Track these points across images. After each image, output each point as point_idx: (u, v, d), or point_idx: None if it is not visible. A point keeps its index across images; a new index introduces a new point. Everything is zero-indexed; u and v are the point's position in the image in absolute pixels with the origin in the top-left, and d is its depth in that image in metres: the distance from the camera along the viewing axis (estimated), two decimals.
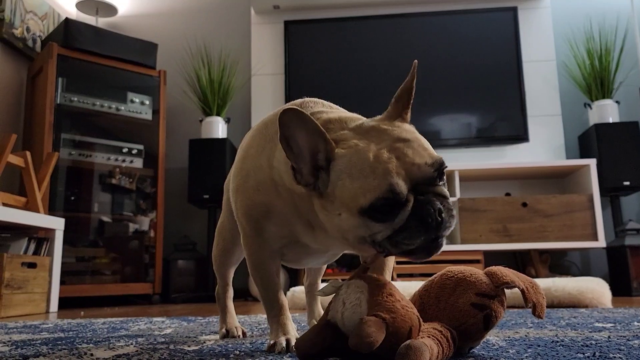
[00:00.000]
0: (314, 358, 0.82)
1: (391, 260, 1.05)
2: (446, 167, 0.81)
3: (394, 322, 0.74)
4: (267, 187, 0.94)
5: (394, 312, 0.75)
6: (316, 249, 1.01)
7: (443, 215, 0.77)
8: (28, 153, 2.79)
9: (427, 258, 0.80)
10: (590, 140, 3.50)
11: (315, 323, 1.35)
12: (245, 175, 0.99)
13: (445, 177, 0.82)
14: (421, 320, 0.80)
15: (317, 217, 0.86)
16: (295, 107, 0.79)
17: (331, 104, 1.02)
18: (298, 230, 0.94)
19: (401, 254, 0.79)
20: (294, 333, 0.98)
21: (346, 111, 0.98)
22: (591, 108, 3.58)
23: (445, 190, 0.80)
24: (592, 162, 3.30)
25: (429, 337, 0.78)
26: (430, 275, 0.94)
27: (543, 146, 3.72)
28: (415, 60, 0.90)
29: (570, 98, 3.83)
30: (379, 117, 0.86)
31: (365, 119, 0.88)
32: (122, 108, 3.56)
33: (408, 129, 0.83)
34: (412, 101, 0.88)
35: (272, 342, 0.96)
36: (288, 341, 0.94)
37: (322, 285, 1.44)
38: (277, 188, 0.92)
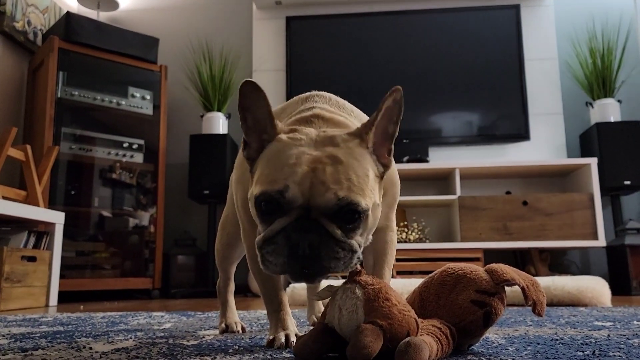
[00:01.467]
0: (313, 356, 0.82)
1: (392, 257, 1.04)
2: (359, 213, 0.73)
3: (391, 328, 0.74)
4: None
5: (390, 318, 0.75)
6: None
7: (314, 251, 0.71)
8: (28, 147, 2.79)
9: (297, 282, 0.80)
10: (591, 139, 3.50)
11: (315, 319, 1.35)
12: (245, 167, 0.98)
13: (357, 223, 0.75)
14: (419, 322, 0.79)
15: None
16: (255, 82, 0.80)
17: (339, 101, 1.00)
18: None
19: (272, 272, 0.76)
20: (293, 329, 0.97)
21: (350, 112, 0.96)
22: (593, 107, 3.57)
23: (338, 235, 0.73)
24: (593, 161, 3.29)
25: (428, 334, 0.78)
26: (430, 272, 0.94)
27: (544, 145, 3.71)
28: (398, 87, 0.80)
29: (572, 97, 3.82)
30: (352, 131, 0.82)
31: (356, 125, 0.85)
32: (123, 103, 3.56)
33: (354, 155, 0.77)
34: (376, 122, 0.80)
35: (271, 337, 0.95)
36: (287, 337, 0.94)
37: (323, 283, 1.44)
38: None
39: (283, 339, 0.93)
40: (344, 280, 0.85)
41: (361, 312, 0.77)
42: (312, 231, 0.72)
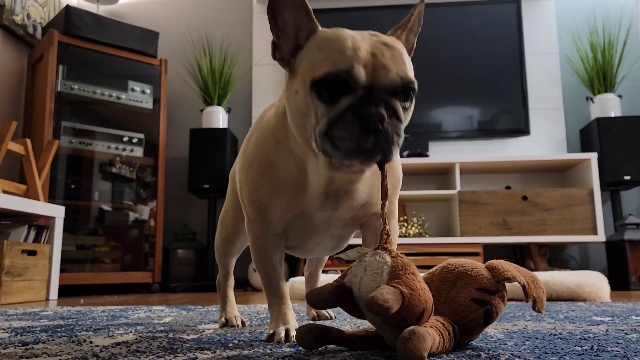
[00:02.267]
0: (313, 347, 0.82)
1: (394, 245, 1.02)
2: (415, 91, 0.78)
3: (411, 298, 0.73)
4: (271, 158, 0.93)
5: (412, 289, 0.74)
6: (320, 224, 0.98)
7: (385, 124, 0.73)
8: (28, 140, 2.79)
9: (365, 165, 0.77)
10: (591, 134, 3.50)
11: (315, 314, 1.36)
12: (250, 152, 0.98)
13: (411, 103, 0.80)
14: (432, 318, 0.79)
15: (308, 157, 0.85)
16: None
17: None
18: (300, 186, 0.91)
19: (340, 159, 0.75)
20: (293, 323, 0.97)
21: None
22: (593, 102, 3.57)
23: (401, 112, 0.76)
24: (593, 156, 3.29)
25: (431, 327, 0.78)
26: (430, 267, 0.94)
27: (544, 139, 3.71)
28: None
29: (572, 91, 3.82)
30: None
31: None
32: (123, 97, 3.55)
33: (396, 41, 0.81)
34: (409, 25, 0.87)
35: (271, 331, 0.96)
36: (287, 331, 0.93)
37: (323, 277, 1.44)
38: (278, 147, 0.91)
39: (283, 333, 0.93)
40: (374, 247, 0.83)
41: (386, 276, 0.75)
42: (377, 107, 0.73)
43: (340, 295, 0.79)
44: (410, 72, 0.78)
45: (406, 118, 0.79)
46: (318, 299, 0.79)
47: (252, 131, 1.03)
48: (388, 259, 0.78)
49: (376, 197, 0.94)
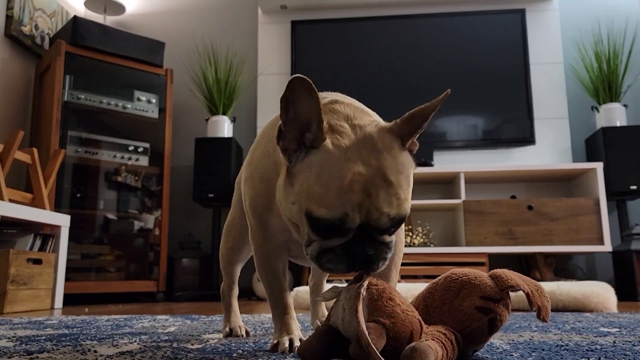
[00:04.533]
0: (317, 359, 0.82)
1: (399, 257, 1.01)
2: (404, 220, 0.80)
3: (394, 327, 0.74)
4: (271, 175, 0.93)
5: (393, 317, 0.75)
6: None
7: (372, 259, 0.78)
8: (35, 150, 2.81)
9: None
10: (597, 144, 3.49)
11: (319, 324, 1.35)
12: (253, 165, 1.00)
13: (400, 226, 0.83)
14: (423, 323, 0.79)
15: None
16: (308, 81, 0.76)
17: (358, 105, 0.94)
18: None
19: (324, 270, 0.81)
20: (297, 333, 0.97)
21: (370, 115, 0.91)
22: (598, 111, 3.56)
23: (389, 240, 0.80)
24: (598, 166, 3.28)
25: (433, 339, 0.77)
26: (435, 277, 0.94)
27: (549, 149, 3.70)
28: (448, 90, 0.86)
29: (578, 101, 3.81)
30: (386, 126, 0.82)
31: (380, 121, 0.86)
32: (129, 106, 3.57)
33: (396, 165, 0.78)
34: (423, 128, 0.83)
35: (275, 341, 0.95)
36: (291, 341, 0.93)
37: (327, 286, 1.44)
38: (276, 168, 0.91)
39: (287, 344, 0.93)
40: (349, 282, 0.84)
41: (364, 310, 0.77)
42: (368, 244, 0.77)
43: (329, 340, 0.80)
44: (402, 206, 0.78)
45: (397, 232, 0.84)
46: (309, 351, 0.80)
47: (257, 143, 1.04)
48: (363, 292, 0.79)
49: None
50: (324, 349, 0.80)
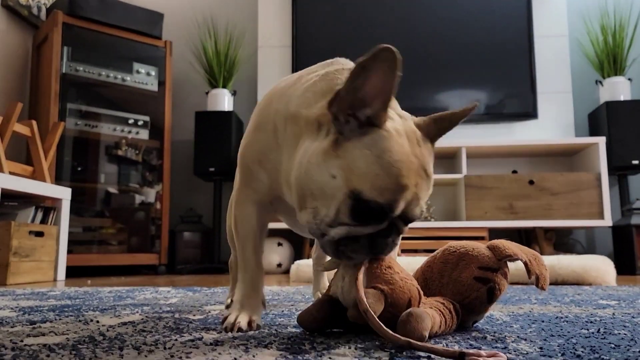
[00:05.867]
0: (315, 330, 0.82)
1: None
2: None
3: (393, 293, 0.75)
4: (270, 125, 0.89)
5: (392, 284, 0.76)
6: None
7: (389, 246, 0.79)
8: (34, 122, 2.79)
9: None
10: (600, 118, 3.46)
11: (320, 296, 1.36)
12: (254, 114, 0.96)
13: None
14: (421, 292, 0.80)
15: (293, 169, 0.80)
16: (397, 53, 0.69)
17: None
18: (279, 179, 0.88)
19: (332, 256, 0.79)
20: (254, 310, 0.90)
21: None
22: (602, 85, 3.52)
23: (405, 230, 0.81)
24: (601, 141, 3.26)
25: (430, 308, 0.78)
26: (435, 251, 0.94)
27: (552, 124, 3.67)
28: (477, 103, 0.87)
29: (581, 75, 3.77)
30: (418, 121, 0.82)
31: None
32: (128, 79, 3.54)
33: (431, 161, 0.80)
34: (448, 132, 0.85)
35: (226, 315, 0.89)
36: (236, 318, 0.87)
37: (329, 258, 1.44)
38: (274, 127, 0.88)
39: (232, 319, 0.86)
40: None
41: (363, 278, 0.77)
42: (392, 235, 0.77)
43: (328, 309, 0.81)
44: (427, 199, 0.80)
45: None
46: (309, 319, 0.81)
47: (266, 94, 0.98)
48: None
49: None
50: (323, 317, 0.81)
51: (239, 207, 0.97)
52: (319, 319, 0.81)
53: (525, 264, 0.82)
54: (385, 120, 0.74)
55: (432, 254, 0.92)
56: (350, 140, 0.74)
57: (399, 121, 0.77)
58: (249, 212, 0.95)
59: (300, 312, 0.84)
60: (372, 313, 0.70)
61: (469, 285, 0.84)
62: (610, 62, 3.52)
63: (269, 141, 0.89)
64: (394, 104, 0.81)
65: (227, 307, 1.24)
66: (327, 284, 1.41)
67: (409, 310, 0.72)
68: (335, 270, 0.84)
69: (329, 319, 0.81)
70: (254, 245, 0.95)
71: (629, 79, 3.49)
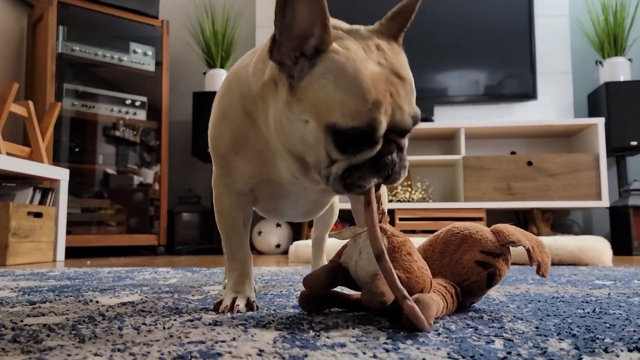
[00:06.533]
0: (316, 310, 0.83)
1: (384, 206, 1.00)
2: (419, 121, 0.76)
3: (409, 282, 0.74)
4: (234, 111, 0.86)
5: (410, 272, 0.75)
6: (290, 190, 0.92)
7: (397, 167, 0.74)
8: (31, 103, 2.77)
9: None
10: (599, 99, 3.45)
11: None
12: (216, 104, 0.93)
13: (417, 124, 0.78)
14: (433, 282, 0.80)
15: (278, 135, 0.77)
16: None
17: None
18: (267, 160, 0.86)
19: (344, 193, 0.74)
20: (248, 293, 0.90)
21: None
22: (602, 65, 3.50)
23: (406, 145, 0.76)
24: (600, 122, 3.26)
25: (434, 292, 0.78)
26: (433, 232, 0.94)
27: (551, 104, 3.66)
28: None
29: (582, 55, 3.74)
30: (375, 27, 0.76)
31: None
32: (125, 59, 3.50)
33: (403, 62, 0.74)
34: (409, 24, 0.78)
35: (220, 300, 0.89)
36: (234, 300, 0.86)
37: (328, 244, 1.45)
38: (245, 112, 0.85)
39: (229, 302, 0.85)
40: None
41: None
42: (392, 154, 0.72)
43: (336, 277, 0.80)
44: (416, 103, 0.75)
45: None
46: (315, 284, 0.79)
47: (222, 83, 0.96)
48: (384, 240, 0.77)
49: None
50: (329, 284, 0.79)
51: (220, 199, 0.95)
52: (326, 284, 0.79)
53: (528, 250, 0.82)
54: (330, 43, 0.70)
55: (436, 233, 0.91)
56: (304, 78, 0.71)
57: (349, 38, 0.72)
58: (230, 204, 0.94)
59: (299, 292, 0.84)
60: (387, 257, 0.69)
61: (469, 268, 0.83)
62: (611, 42, 3.49)
63: (242, 127, 0.86)
64: (338, 22, 0.77)
65: (225, 287, 1.25)
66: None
67: (415, 296, 0.71)
68: (351, 241, 0.82)
69: (335, 286, 0.80)
70: (239, 236, 0.95)
71: (629, 60, 3.47)
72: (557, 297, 1.03)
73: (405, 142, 0.75)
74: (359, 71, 0.68)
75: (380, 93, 0.69)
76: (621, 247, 3.17)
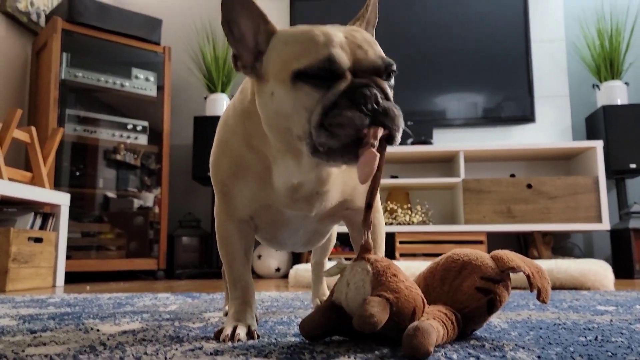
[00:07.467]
0: (317, 338, 0.82)
1: (382, 239, 1.00)
2: (395, 72, 0.76)
3: (398, 302, 0.74)
4: (229, 137, 0.90)
5: (397, 292, 0.76)
6: (290, 218, 0.94)
7: (380, 102, 0.70)
8: (33, 128, 2.79)
9: (374, 141, 0.69)
10: (597, 122, 3.47)
11: (319, 302, 1.36)
12: (215, 139, 0.96)
13: (392, 83, 0.77)
14: (425, 300, 0.80)
15: (268, 145, 0.83)
16: None
17: None
18: (265, 181, 0.88)
19: (339, 154, 0.70)
20: (249, 322, 0.90)
21: None
22: (599, 89, 3.54)
23: (389, 90, 0.74)
24: (598, 144, 3.28)
25: (434, 319, 0.78)
26: (433, 255, 0.94)
27: (549, 127, 3.69)
28: None
29: (579, 79, 3.79)
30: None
31: None
32: (127, 84, 3.54)
33: (361, 30, 0.80)
34: (365, 18, 0.90)
35: (221, 328, 0.89)
36: (235, 329, 0.86)
37: (328, 264, 1.45)
38: (241, 137, 0.88)
39: (229, 331, 0.85)
40: (353, 259, 0.85)
41: (368, 286, 0.77)
42: (368, 87, 0.70)
43: (331, 316, 0.81)
44: (383, 52, 0.78)
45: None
46: (311, 326, 0.81)
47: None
48: (368, 267, 0.79)
49: (351, 194, 0.93)
50: (325, 324, 0.80)
51: (221, 227, 0.97)
52: (322, 325, 0.80)
53: (528, 276, 0.82)
54: (274, 28, 0.81)
55: (436, 260, 0.92)
56: (263, 63, 0.79)
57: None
58: (232, 231, 0.95)
59: (300, 319, 0.84)
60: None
61: (469, 295, 0.83)
62: (607, 66, 3.53)
63: (237, 150, 0.89)
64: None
65: (226, 314, 1.25)
66: (327, 290, 1.42)
67: (415, 323, 0.71)
68: (338, 276, 0.84)
69: (332, 325, 0.81)
70: (241, 263, 0.96)
71: (626, 83, 3.51)
72: (559, 324, 1.03)
73: (385, 85, 0.74)
74: (306, 29, 0.77)
75: (329, 34, 0.74)
76: (623, 270, 3.16)
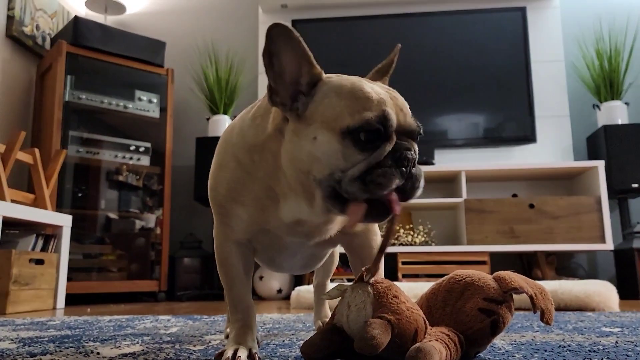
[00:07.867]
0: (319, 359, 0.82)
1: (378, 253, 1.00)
2: (422, 135, 0.80)
3: (399, 323, 0.74)
4: (229, 161, 0.89)
5: (399, 314, 0.75)
6: (287, 243, 0.94)
7: (413, 170, 0.74)
8: (37, 150, 2.81)
9: (383, 217, 0.74)
10: (598, 142, 3.48)
11: (322, 324, 1.35)
12: (214, 159, 0.96)
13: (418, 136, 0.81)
14: (427, 322, 0.79)
15: (279, 180, 0.81)
16: (285, 24, 0.75)
17: None
18: (265, 207, 0.87)
19: (366, 211, 0.73)
20: (250, 344, 0.89)
21: None
22: (600, 109, 3.55)
23: (417, 151, 0.77)
24: (600, 164, 3.28)
25: (437, 340, 0.78)
26: (436, 276, 0.94)
27: (551, 147, 3.70)
28: (399, 44, 0.95)
29: (579, 99, 3.81)
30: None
31: None
32: (130, 106, 3.57)
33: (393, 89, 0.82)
34: (390, 74, 0.92)
35: (222, 351, 0.88)
36: (235, 351, 0.85)
37: (330, 286, 1.44)
38: (239, 162, 0.87)
39: (230, 354, 0.84)
40: (354, 281, 0.84)
41: (369, 308, 0.77)
42: (408, 149, 0.74)
43: (332, 339, 0.80)
44: None
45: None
46: (312, 349, 0.80)
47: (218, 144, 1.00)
48: (368, 289, 0.79)
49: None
50: (327, 347, 0.80)
51: (220, 249, 0.96)
52: (323, 348, 0.80)
53: (531, 297, 0.82)
54: (321, 73, 0.78)
55: (438, 281, 0.91)
56: (308, 107, 0.77)
57: (335, 76, 0.80)
58: (231, 253, 0.95)
59: (302, 342, 0.83)
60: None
61: (472, 316, 0.83)
62: (607, 86, 3.55)
63: (237, 175, 0.88)
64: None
65: (227, 337, 1.23)
66: (329, 312, 1.41)
67: (417, 345, 0.71)
68: (340, 298, 0.84)
69: (333, 348, 0.81)
70: (241, 285, 0.95)
71: (626, 103, 3.52)
72: (564, 346, 1.01)
73: (416, 147, 0.77)
74: (357, 83, 0.77)
75: (381, 93, 0.75)
76: (627, 291, 3.13)
